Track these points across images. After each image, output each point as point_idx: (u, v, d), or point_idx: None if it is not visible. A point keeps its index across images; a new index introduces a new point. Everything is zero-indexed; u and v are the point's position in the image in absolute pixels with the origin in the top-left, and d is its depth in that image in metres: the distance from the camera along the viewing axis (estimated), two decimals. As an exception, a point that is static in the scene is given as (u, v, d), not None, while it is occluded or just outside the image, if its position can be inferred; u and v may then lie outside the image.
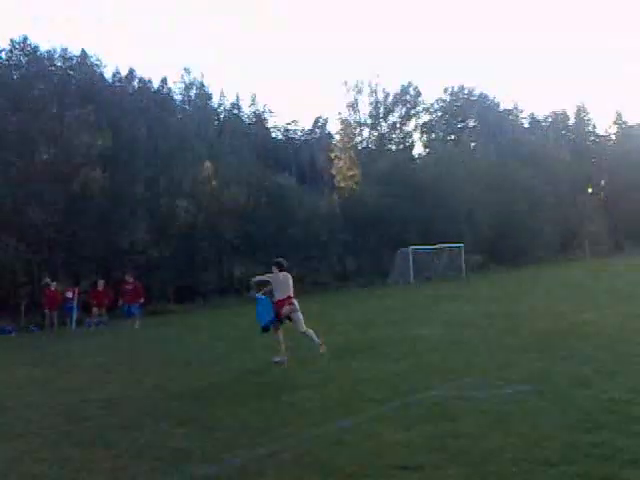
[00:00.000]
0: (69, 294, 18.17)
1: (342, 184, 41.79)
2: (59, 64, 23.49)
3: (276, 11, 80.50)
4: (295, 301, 8.12)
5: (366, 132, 48.53)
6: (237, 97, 47.14)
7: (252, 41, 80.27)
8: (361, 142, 48.14)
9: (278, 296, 8.11)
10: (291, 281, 8.34)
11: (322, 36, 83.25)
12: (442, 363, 6.99)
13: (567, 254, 39.44)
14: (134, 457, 4.43)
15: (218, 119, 43.04)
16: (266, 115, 59.99)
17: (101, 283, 17.94)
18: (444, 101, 56.99)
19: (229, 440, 4.63)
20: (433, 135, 54.37)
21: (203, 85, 39.87)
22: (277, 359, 7.70)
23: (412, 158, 46.78)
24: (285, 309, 7.99)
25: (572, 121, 58.24)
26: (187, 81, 37.10)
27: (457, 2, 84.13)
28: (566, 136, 56.52)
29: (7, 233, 19.61)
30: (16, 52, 23.13)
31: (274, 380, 7.00)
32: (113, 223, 21.99)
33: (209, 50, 74.98)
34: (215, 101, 31.66)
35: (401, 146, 48.98)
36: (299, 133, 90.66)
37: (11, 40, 23.55)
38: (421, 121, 52.09)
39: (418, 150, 51.50)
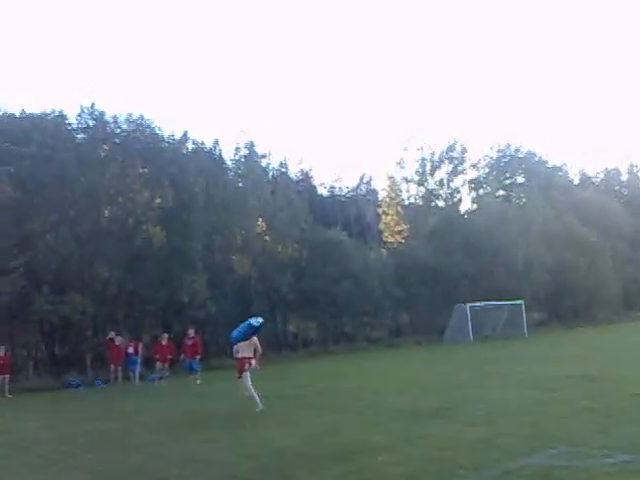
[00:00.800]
0: (130, 349, 18.57)
1: (390, 239, 41.80)
2: (124, 127, 24.82)
3: (314, 68, 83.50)
4: (253, 361, 10.59)
5: (413, 188, 48.79)
6: (285, 158, 48.69)
7: (294, 99, 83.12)
8: (408, 198, 48.34)
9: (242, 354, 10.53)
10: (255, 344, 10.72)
11: (365, 94, 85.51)
12: (531, 428, 6.55)
13: (631, 312, 37.63)
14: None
15: (268, 178, 44.33)
16: (312, 173, 61.39)
17: (165, 337, 18.27)
18: (491, 158, 56.96)
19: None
20: (482, 191, 54.11)
21: (253, 145, 41.41)
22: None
23: (461, 214, 46.50)
24: (246, 365, 10.37)
25: (625, 177, 56.95)
26: (238, 142, 38.84)
27: (502, 62, 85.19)
28: (619, 192, 55.18)
29: (73, 289, 20.31)
30: (85, 116, 24.64)
31: (348, 441, 6.72)
32: (173, 278, 22.54)
33: (253, 109, 78.01)
34: (264, 161, 32.84)
35: (449, 202, 48.89)
36: (344, 190, 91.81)
37: (80, 105, 25.24)
38: (468, 177, 52.08)
39: (466, 206, 51.20)
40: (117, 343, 18.73)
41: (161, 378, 17.49)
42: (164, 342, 18.10)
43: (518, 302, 28.89)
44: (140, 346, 19.19)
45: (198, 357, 16.99)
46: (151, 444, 7.56)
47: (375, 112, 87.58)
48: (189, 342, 16.99)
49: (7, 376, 17.66)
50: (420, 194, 48.35)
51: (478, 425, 7.00)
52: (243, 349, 10.70)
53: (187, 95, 78.63)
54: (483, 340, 26.25)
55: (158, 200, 24.49)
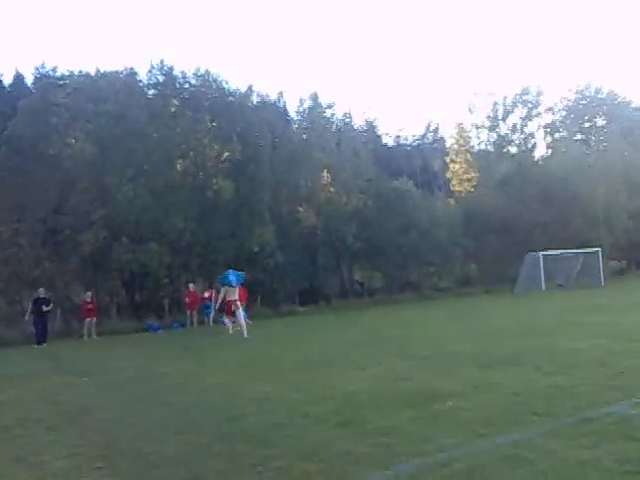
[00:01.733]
0: (206, 294, 19.65)
1: (458, 188, 40.71)
2: (192, 82, 25.13)
3: (376, 15, 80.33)
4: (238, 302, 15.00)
5: (483, 134, 46.84)
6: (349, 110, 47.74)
7: (359, 48, 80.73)
8: (478, 145, 46.55)
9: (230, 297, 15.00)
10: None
11: (432, 38, 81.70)
12: (610, 378, 6.36)
13: None
14: (299, 457, 4.48)
15: (332, 129, 43.95)
16: (377, 123, 60.13)
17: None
18: (569, 100, 53.43)
19: (393, 446, 4.53)
20: (558, 135, 51.17)
21: (317, 96, 40.99)
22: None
23: (535, 160, 44.37)
24: (233, 307, 14.90)
25: None
26: (302, 94, 38.42)
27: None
28: None
29: (150, 239, 21.36)
30: (154, 72, 25.12)
31: (419, 387, 6.78)
32: (243, 229, 23.22)
33: (317, 60, 76.55)
34: (329, 112, 32.44)
35: (523, 147, 46.67)
36: (410, 139, 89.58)
37: (150, 62, 25.77)
38: (544, 121, 49.25)
39: (541, 151, 48.69)
40: (192, 290, 19.91)
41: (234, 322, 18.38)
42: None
43: (595, 250, 27.59)
44: (212, 292, 20.12)
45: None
46: (227, 383, 7.99)
47: (442, 57, 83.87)
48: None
49: (94, 319, 19.23)
50: (491, 140, 46.43)
51: (553, 373, 6.87)
52: (232, 293, 15.07)
53: (251, 48, 78.16)
54: (556, 290, 25.43)
55: (226, 154, 24.92)
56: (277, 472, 4.20)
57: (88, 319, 19.09)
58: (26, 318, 17.60)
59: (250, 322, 17.79)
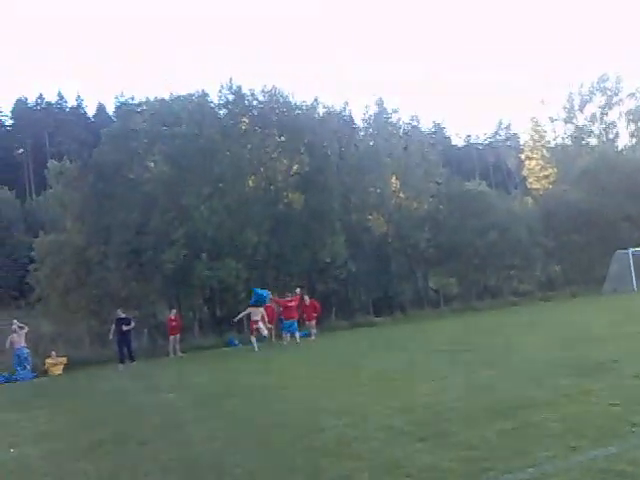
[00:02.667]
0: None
1: (535, 185, 39.12)
2: (260, 98, 25.80)
3: (440, 13, 78.91)
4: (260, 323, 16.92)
5: (560, 127, 44.79)
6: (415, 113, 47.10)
7: (425, 50, 79.67)
8: (555, 139, 44.54)
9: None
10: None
11: (499, 30, 79.25)
12: None
13: None
14: (383, 472, 4.41)
15: (399, 133, 43.69)
16: (445, 123, 59.07)
17: (306, 298, 19.38)
18: (653, 83, 50.10)
19: (480, 461, 4.36)
20: (641, 123, 48.05)
21: (382, 102, 40.91)
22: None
23: (619, 150, 41.84)
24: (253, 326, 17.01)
25: None
26: (368, 102, 38.47)
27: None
28: None
29: (228, 255, 22.03)
30: (224, 91, 26.04)
31: (505, 397, 6.50)
32: (314, 240, 23.46)
33: (381, 66, 76.25)
34: (395, 116, 32.29)
35: (604, 138, 44.16)
36: (481, 137, 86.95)
37: (220, 82, 26.76)
38: (625, 109, 46.38)
39: (624, 141, 45.85)
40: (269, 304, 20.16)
41: (309, 335, 18.63)
42: (307, 302, 19.39)
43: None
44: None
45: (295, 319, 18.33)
46: (307, 396, 8.02)
47: (511, 50, 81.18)
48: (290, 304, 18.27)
49: (178, 336, 19.73)
50: (568, 133, 44.32)
51: (653, 381, 6.40)
52: (256, 313, 16.84)
53: (315, 62, 79.15)
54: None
55: (295, 166, 25.34)
56: (358, 487, 4.16)
57: (172, 336, 19.57)
58: (110, 337, 18.25)
59: (313, 337, 18.61)
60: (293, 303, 18.66)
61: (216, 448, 5.68)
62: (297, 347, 16.96)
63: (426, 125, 60.79)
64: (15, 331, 18.05)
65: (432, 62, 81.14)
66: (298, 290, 19.91)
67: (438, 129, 76.53)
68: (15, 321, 18.51)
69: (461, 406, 6.27)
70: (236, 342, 20.39)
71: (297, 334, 17.97)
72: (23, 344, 18.02)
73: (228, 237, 22.41)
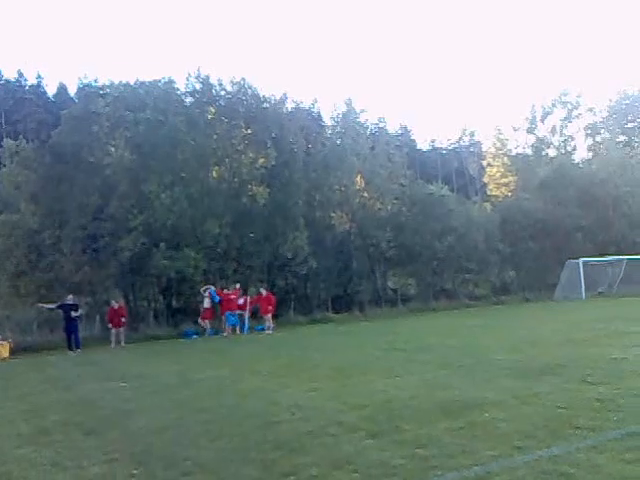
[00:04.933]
0: (241, 301, 19.81)
1: (495, 192, 40.05)
2: (228, 89, 25.46)
3: (411, 20, 79.81)
4: None
5: (522, 137, 45.92)
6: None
7: (393, 53, 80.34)
8: (516, 148, 45.67)
9: None
10: None
11: (466, 40, 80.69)
12: (657, 390, 6.11)
13: None
14: (333, 466, 4.43)
15: (367, 134, 44.14)
16: (412, 127, 59.90)
17: (263, 291, 19.67)
18: (610, 100, 51.96)
19: (429, 459, 4.43)
20: (599, 138, 49.78)
21: (351, 101, 41.38)
22: None
23: (576, 162, 43.24)
24: None
25: None
26: (336, 99, 38.56)
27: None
28: None
29: (187, 245, 21.70)
30: (191, 80, 25.59)
31: (457, 397, 6.62)
32: (277, 234, 23.39)
33: (351, 66, 76.50)
34: (363, 117, 32.61)
35: (562, 150, 45.54)
36: (446, 142, 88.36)
37: (187, 71, 26.34)
38: (584, 123, 47.97)
39: (581, 154, 47.40)
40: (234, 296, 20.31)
41: (266, 329, 18.78)
42: (264, 294, 19.88)
43: (639, 256, 26.64)
44: (247, 299, 20.32)
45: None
46: (261, 390, 8.00)
47: (477, 59, 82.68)
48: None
49: (122, 329, 18.98)
50: (529, 143, 45.51)
51: (596, 384, 6.62)
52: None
53: (284, 56, 78.67)
54: (598, 298, 24.63)
55: (261, 160, 25.16)
56: (309, 483, 4.16)
57: (115, 329, 18.76)
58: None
59: (269, 331, 18.93)
60: (233, 296, 19.54)
61: (166, 439, 5.59)
62: (253, 340, 16.92)
63: (393, 127, 61.55)
64: None
65: (400, 65, 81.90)
66: (238, 285, 20.62)
67: (404, 132, 77.45)
68: None
69: (413, 404, 6.35)
70: (191, 332, 20.15)
71: (237, 326, 19.39)
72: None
73: (189, 227, 22.09)
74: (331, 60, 78.69)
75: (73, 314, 17.53)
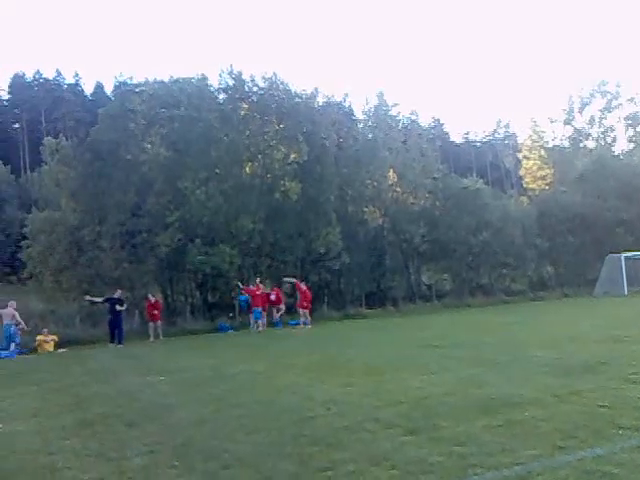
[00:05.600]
0: (272, 296, 19.95)
1: (532, 185, 39.27)
2: (260, 85, 25.61)
3: (443, 13, 78.56)
4: None
5: (559, 129, 44.81)
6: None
7: (428, 46, 79.33)
8: (553, 140, 44.59)
9: None
10: None
11: (500, 29, 78.93)
12: None
13: None
14: (370, 462, 4.42)
15: (399, 127, 43.73)
16: (445, 120, 59.18)
17: (302, 286, 19.66)
18: (653, 88, 50.29)
19: (467, 457, 4.38)
20: (640, 128, 48.18)
21: (383, 95, 41.10)
22: None
23: (616, 154, 41.95)
24: None
25: None
26: (368, 93, 38.24)
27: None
28: None
29: (222, 241, 21.96)
30: (224, 76, 25.85)
31: (494, 394, 6.52)
32: (310, 230, 23.46)
33: (383, 59, 75.89)
34: (395, 110, 32.27)
35: (601, 142, 44.25)
36: (480, 135, 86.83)
37: (220, 67, 26.61)
38: (624, 113, 46.47)
39: (621, 145, 45.96)
40: (259, 291, 20.23)
41: (305, 324, 18.78)
42: (303, 289, 19.84)
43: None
44: (281, 294, 20.47)
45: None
46: (297, 385, 8.02)
47: (512, 49, 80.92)
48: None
49: (159, 322, 19.37)
50: (567, 135, 44.38)
51: (640, 383, 6.44)
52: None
53: (316, 50, 78.57)
54: (640, 294, 23.89)
55: (293, 155, 25.26)
56: (347, 477, 4.16)
57: (153, 323, 19.14)
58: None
59: (307, 326, 18.89)
60: (259, 292, 19.61)
61: (204, 432, 5.67)
62: (286, 335, 17.03)
63: (425, 120, 60.78)
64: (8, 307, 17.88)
65: (433, 57, 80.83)
66: (258, 280, 20.64)
67: (437, 125, 76.42)
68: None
69: (450, 401, 6.28)
70: (227, 326, 20.44)
71: (260, 321, 19.37)
72: (11, 321, 17.87)
73: (223, 223, 22.37)
74: (363, 54, 78.43)
75: (118, 308, 17.87)
